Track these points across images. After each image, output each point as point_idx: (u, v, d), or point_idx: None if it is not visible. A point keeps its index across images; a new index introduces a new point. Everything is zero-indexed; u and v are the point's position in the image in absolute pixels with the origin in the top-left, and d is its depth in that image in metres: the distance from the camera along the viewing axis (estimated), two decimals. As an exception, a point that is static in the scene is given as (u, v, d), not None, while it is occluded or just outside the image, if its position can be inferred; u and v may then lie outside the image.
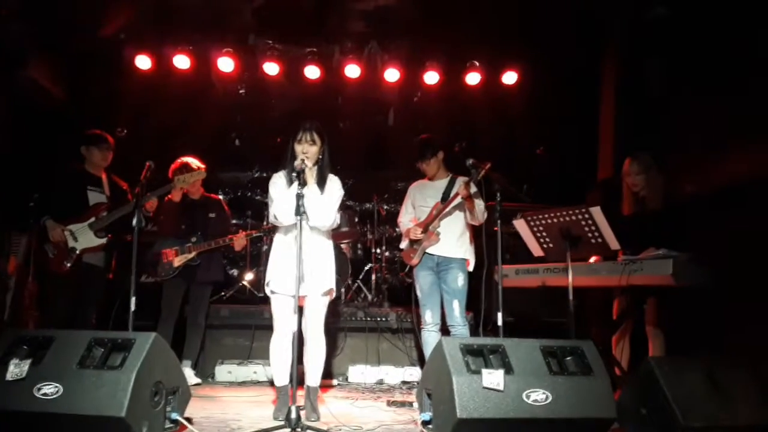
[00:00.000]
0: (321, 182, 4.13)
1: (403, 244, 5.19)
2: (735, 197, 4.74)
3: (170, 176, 5.41)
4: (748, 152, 4.73)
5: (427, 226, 4.91)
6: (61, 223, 5.10)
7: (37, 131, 6.28)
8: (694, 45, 5.43)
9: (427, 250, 4.95)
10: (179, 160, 5.59)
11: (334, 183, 4.21)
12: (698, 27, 5.35)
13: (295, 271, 3.61)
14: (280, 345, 4.09)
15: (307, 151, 4.07)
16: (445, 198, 4.91)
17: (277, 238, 4.26)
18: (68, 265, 5.05)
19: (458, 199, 4.79)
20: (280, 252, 4.17)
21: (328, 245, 4.25)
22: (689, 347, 4.62)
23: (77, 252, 5.08)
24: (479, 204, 4.79)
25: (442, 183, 5.00)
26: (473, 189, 4.71)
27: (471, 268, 4.95)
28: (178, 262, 5.57)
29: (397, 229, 7.96)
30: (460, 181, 4.78)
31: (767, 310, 4.24)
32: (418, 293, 5.06)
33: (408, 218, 5.19)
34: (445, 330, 4.90)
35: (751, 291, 4.44)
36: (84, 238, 5.11)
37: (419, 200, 5.14)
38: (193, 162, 5.56)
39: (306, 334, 4.12)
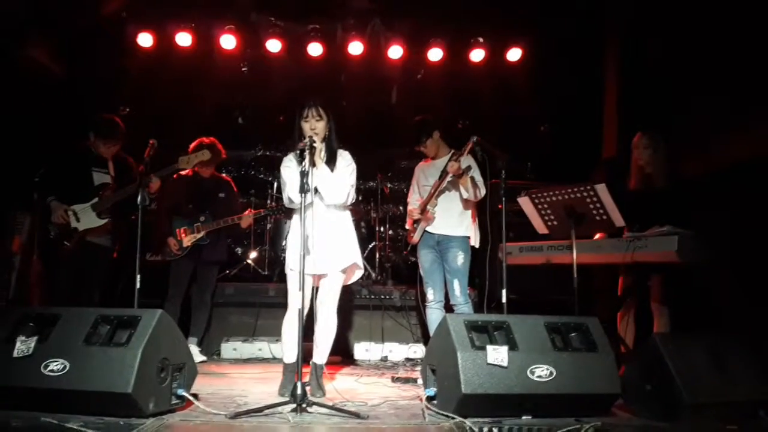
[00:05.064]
0: (331, 159, 4.08)
1: (408, 224, 5.18)
2: (740, 174, 4.73)
3: (190, 152, 5.41)
4: (753, 129, 4.70)
5: (425, 206, 4.89)
6: (66, 203, 5.08)
7: (38, 110, 6.25)
8: (699, 20, 5.38)
9: (428, 229, 4.95)
10: (203, 139, 5.60)
11: (344, 158, 4.15)
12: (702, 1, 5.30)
13: (300, 249, 3.60)
14: (294, 322, 4.05)
15: (315, 127, 4.02)
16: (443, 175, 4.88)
17: (295, 218, 4.19)
18: (69, 245, 5.04)
19: (450, 176, 4.75)
20: (297, 232, 4.13)
21: (346, 220, 4.19)
22: (694, 324, 4.64)
23: (78, 232, 5.06)
24: (475, 180, 4.74)
25: (442, 161, 4.95)
26: (465, 164, 4.68)
27: (475, 243, 4.94)
28: (187, 242, 5.58)
29: (401, 208, 7.97)
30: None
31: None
32: (421, 271, 5.07)
33: (415, 198, 5.17)
34: (449, 307, 4.91)
35: (754, 268, 4.45)
36: (86, 218, 5.09)
37: (422, 180, 5.12)
38: (215, 143, 5.57)
39: (318, 312, 4.11)
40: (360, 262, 4.25)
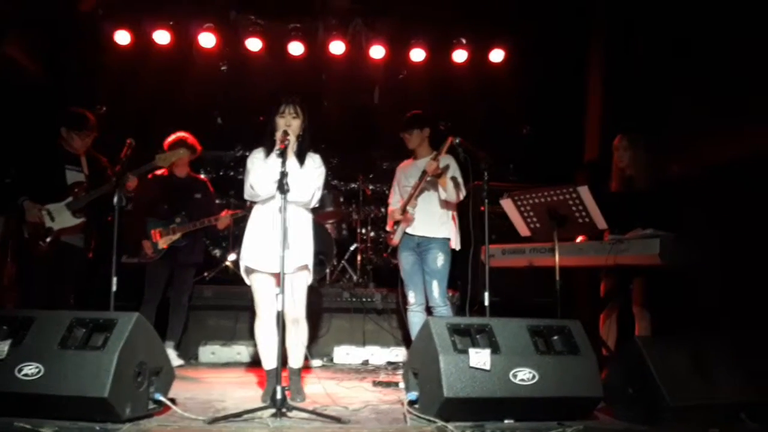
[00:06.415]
0: (300, 157, 4.03)
1: (388, 226, 5.15)
2: (722, 176, 4.75)
3: (165, 149, 5.34)
4: (736, 131, 4.72)
5: (405, 207, 4.86)
6: (39, 202, 4.97)
7: (13, 108, 6.12)
8: (683, 23, 5.40)
9: (408, 231, 4.92)
10: (176, 135, 5.52)
11: (314, 160, 4.10)
12: (687, 3, 5.32)
13: (279, 250, 3.52)
14: (265, 328, 4.00)
15: (291, 124, 3.98)
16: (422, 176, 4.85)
17: (254, 214, 4.11)
18: (44, 244, 4.93)
19: (429, 177, 4.73)
20: (257, 228, 4.02)
21: (305, 221, 4.10)
22: (675, 327, 4.65)
23: (54, 231, 4.96)
24: (452, 180, 4.72)
25: (423, 162, 4.92)
26: (443, 164, 4.66)
27: (455, 246, 4.91)
28: (163, 243, 5.49)
29: (382, 209, 7.95)
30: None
31: (752, 288, 4.27)
32: (402, 274, 5.04)
33: (395, 200, 5.14)
34: (430, 310, 4.88)
35: (736, 270, 4.46)
36: (61, 217, 4.98)
37: (403, 181, 5.10)
38: (187, 139, 5.49)
39: (286, 314, 4.02)
40: (311, 266, 4.11)
